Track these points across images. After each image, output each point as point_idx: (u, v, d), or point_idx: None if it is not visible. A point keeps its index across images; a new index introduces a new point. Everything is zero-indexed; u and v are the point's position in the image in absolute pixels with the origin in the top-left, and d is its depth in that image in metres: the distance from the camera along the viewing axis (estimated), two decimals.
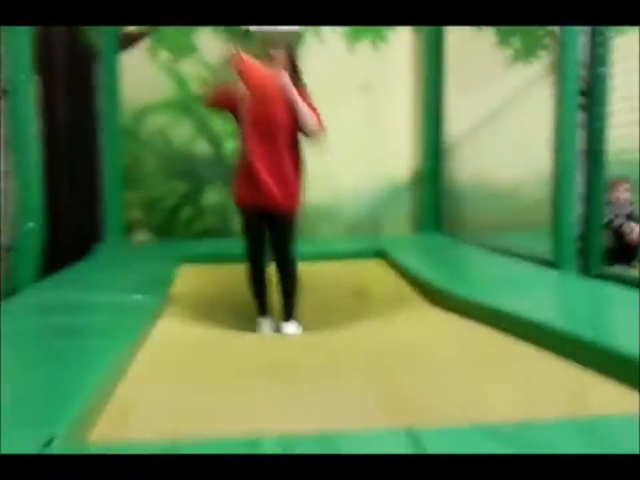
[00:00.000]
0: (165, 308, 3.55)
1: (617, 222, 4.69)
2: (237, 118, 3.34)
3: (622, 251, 4.61)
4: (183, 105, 5.96)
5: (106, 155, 5.41)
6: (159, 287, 3.82)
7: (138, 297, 3.39)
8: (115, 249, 5.22)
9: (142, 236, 5.90)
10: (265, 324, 3.53)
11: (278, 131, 3.27)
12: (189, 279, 4.33)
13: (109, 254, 5.01)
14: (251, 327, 3.46)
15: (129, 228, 5.79)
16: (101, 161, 5.42)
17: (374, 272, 4.66)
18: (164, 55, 5.92)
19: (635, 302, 2.93)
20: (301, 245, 5.02)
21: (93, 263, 4.65)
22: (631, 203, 4.86)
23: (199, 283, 4.26)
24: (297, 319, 3.50)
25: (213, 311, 3.62)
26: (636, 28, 4.66)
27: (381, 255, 5.02)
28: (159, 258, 4.78)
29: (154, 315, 3.31)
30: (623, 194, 4.76)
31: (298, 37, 3.21)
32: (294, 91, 3.24)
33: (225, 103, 3.36)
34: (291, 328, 3.47)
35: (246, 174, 3.32)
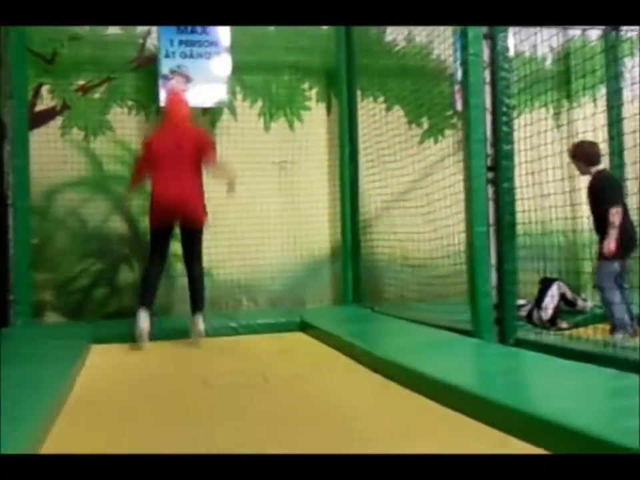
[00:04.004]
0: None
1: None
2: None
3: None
4: (96, 183, 5.85)
5: (14, 235, 5.18)
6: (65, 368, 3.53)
7: None
8: (22, 333, 4.91)
9: (52, 318, 5.62)
10: (144, 316, 4.45)
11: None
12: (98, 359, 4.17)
13: (16, 338, 4.70)
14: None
15: (39, 310, 5.50)
16: (9, 241, 5.17)
17: (298, 340, 4.79)
18: (76, 132, 5.83)
19: (549, 367, 3.13)
20: (223, 319, 5.14)
21: None
22: None
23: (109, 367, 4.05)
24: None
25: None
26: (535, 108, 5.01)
27: (303, 327, 5.05)
28: (69, 339, 4.51)
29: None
30: None
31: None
32: None
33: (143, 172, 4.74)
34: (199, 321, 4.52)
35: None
